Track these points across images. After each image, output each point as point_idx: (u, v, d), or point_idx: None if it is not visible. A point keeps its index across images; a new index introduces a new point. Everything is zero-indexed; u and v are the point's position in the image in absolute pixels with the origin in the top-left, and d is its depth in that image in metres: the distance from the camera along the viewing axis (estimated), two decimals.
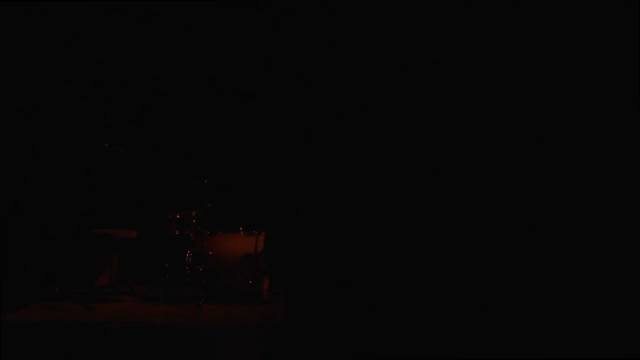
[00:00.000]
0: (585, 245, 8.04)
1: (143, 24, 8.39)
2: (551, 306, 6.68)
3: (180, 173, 6.74)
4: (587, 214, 8.17)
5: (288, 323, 5.81)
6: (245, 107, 8.54)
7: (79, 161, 6.70)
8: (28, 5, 8.25)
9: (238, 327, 5.71)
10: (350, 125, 8.61)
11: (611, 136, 8.23)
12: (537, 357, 4.86)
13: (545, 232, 8.23)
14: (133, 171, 7.75)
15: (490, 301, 6.96)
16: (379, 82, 8.58)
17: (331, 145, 8.63)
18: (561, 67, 8.33)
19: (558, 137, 8.35)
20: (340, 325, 5.90)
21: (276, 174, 8.29)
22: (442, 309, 6.63)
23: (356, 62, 8.55)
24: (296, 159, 8.56)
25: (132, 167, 7.33)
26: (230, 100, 8.54)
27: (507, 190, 8.41)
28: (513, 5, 8.24)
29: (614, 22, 8.05)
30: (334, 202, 8.55)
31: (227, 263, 6.63)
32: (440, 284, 7.86)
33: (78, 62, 8.51)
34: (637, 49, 7.88)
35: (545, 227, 8.27)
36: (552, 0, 8.23)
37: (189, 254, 6.76)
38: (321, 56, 8.55)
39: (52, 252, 6.38)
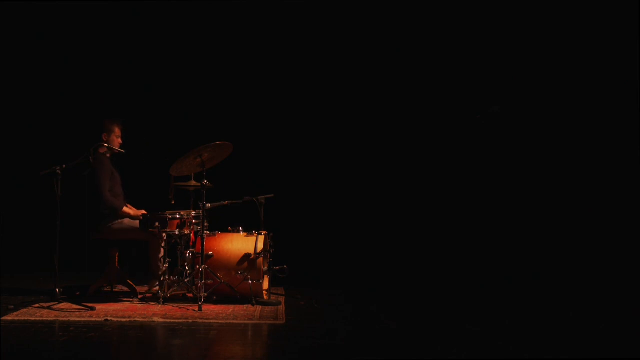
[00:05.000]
0: (585, 245, 8.06)
1: (143, 24, 8.41)
2: (551, 306, 6.70)
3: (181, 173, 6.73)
4: (587, 213, 8.19)
5: (288, 323, 5.82)
6: (245, 106, 8.57)
7: (78, 160, 6.70)
8: (28, 5, 8.26)
9: (238, 327, 5.71)
10: (350, 125, 8.63)
11: (611, 136, 8.25)
12: (537, 357, 4.87)
13: (545, 232, 8.26)
14: (133, 171, 7.74)
15: (490, 301, 6.98)
16: (378, 82, 8.60)
17: (331, 146, 8.65)
18: (561, 67, 8.35)
19: (558, 137, 8.37)
20: (341, 325, 5.90)
21: (276, 173, 8.31)
22: (443, 308, 6.64)
23: (355, 61, 8.57)
24: (296, 158, 8.58)
25: (131, 167, 7.32)
26: (231, 99, 8.56)
27: (508, 190, 8.43)
28: (513, 5, 8.26)
29: (614, 22, 8.08)
30: (333, 202, 8.57)
31: (227, 263, 6.64)
32: (441, 283, 7.87)
33: (77, 62, 8.53)
34: (637, 49, 7.90)
35: (545, 227, 8.30)
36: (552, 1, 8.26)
37: (189, 254, 6.77)
38: (320, 56, 8.57)
39: (52, 252, 6.37)
